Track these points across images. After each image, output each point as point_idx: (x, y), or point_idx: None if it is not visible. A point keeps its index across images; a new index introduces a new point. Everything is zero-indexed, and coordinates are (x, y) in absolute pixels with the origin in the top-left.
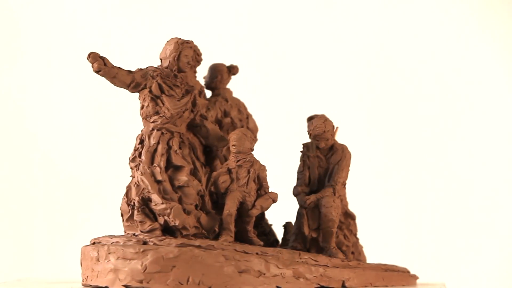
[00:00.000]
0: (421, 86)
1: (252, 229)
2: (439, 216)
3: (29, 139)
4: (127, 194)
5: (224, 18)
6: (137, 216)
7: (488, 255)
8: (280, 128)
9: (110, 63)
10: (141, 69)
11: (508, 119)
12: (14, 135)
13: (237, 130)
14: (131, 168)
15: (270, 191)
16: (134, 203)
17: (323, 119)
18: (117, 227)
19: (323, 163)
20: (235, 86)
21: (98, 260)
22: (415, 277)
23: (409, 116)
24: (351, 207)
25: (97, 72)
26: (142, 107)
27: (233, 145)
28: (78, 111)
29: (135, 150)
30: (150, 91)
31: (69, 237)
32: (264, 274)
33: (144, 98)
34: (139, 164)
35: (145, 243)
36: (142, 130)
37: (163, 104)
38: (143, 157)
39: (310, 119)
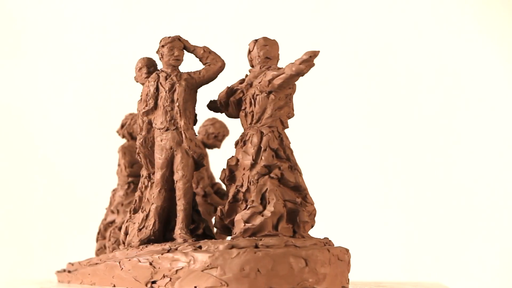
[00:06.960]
0: (420, 89)
1: None
2: (438, 216)
3: (28, 142)
4: (271, 194)
5: (223, 16)
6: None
7: (487, 255)
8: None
9: None
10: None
11: (508, 121)
12: (13, 139)
13: None
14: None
15: None
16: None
17: None
18: None
19: None
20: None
21: (328, 264)
22: None
23: (408, 117)
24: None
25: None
26: (281, 107)
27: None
28: (77, 114)
29: (262, 150)
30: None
31: (68, 239)
32: None
33: (289, 98)
34: (281, 165)
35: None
36: (272, 128)
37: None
38: (288, 156)
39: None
